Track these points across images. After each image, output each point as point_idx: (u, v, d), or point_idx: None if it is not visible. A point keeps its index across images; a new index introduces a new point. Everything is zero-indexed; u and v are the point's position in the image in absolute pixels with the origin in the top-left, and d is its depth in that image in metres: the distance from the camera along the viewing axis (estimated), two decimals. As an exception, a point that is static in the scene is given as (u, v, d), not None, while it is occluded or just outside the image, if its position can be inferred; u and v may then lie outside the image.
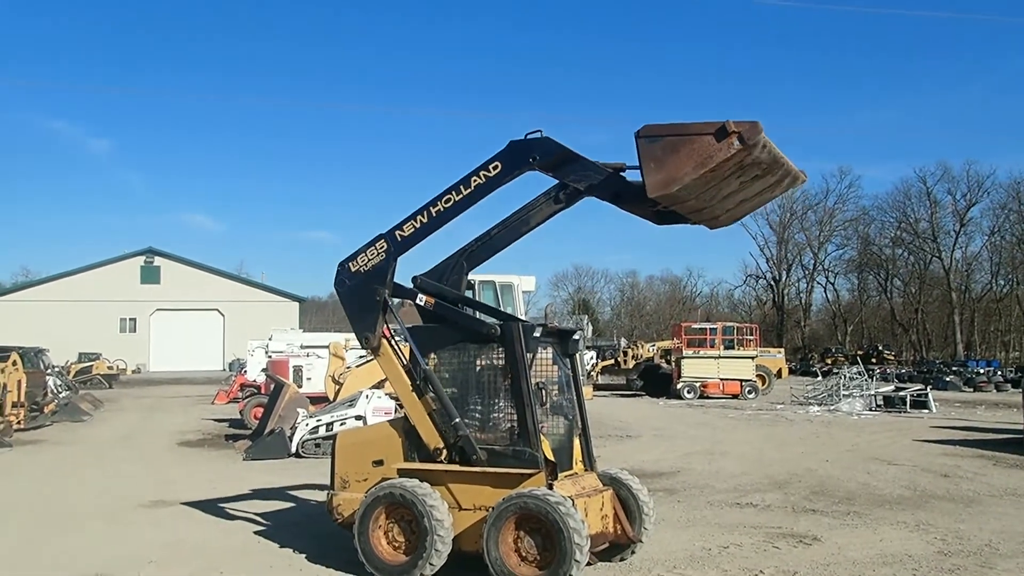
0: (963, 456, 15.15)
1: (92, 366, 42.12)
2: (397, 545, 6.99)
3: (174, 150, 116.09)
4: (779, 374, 40.65)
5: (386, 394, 14.88)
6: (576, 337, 7.86)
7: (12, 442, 16.81)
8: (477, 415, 7.24)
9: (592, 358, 40.55)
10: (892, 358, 58.14)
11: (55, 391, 24.43)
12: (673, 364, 33.71)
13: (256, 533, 8.89)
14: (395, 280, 7.49)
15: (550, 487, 6.64)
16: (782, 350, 51.16)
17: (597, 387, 36.30)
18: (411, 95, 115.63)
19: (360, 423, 14.04)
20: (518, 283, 20.87)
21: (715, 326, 34.99)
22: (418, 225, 7.26)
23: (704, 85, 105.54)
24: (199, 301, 61.98)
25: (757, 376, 32.74)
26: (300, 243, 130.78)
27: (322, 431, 14.66)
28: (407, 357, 7.45)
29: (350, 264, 7.55)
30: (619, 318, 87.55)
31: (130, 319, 61.74)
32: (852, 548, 8.17)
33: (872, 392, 26.92)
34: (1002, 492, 11.45)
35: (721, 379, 31.61)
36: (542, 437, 6.97)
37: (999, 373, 43.28)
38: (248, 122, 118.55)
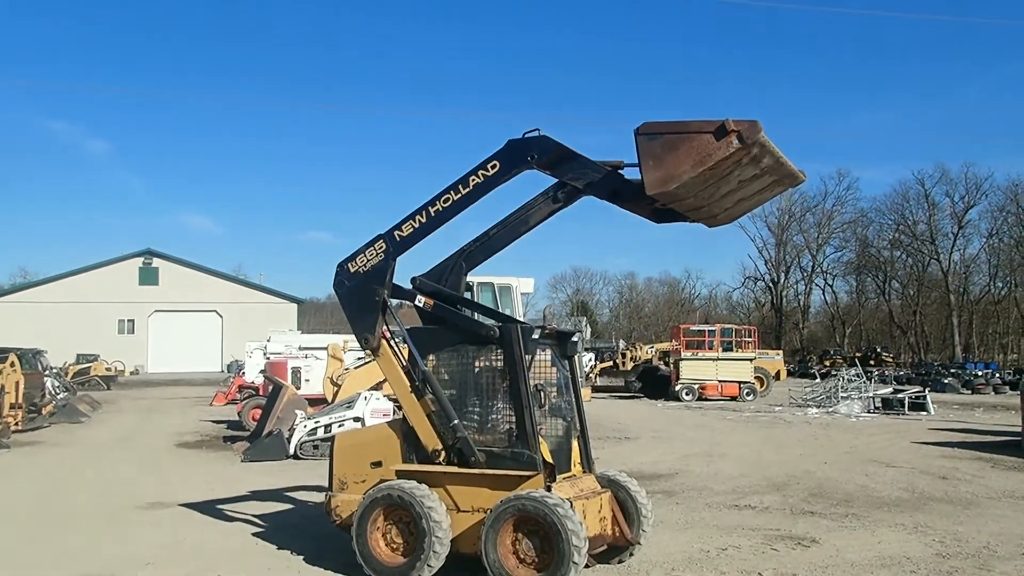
0: (961, 458, 15.15)
1: (90, 367, 42.06)
2: (395, 547, 6.98)
3: (173, 151, 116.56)
4: (777, 376, 40.69)
5: (384, 396, 14.87)
6: (575, 339, 7.85)
7: (10, 443, 16.80)
8: (476, 417, 7.23)
9: (590, 360, 40.63)
10: (890, 360, 58.13)
11: (53, 392, 24.41)
12: (671, 366, 33.70)
13: (254, 534, 8.88)
14: (394, 281, 7.48)
15: (548, 489, 6.63)
16: (780, 352, 51.19)
17: (595, 389, 36.33)
18: (411, 96, 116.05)
19: (358, 425, 14.03)
20: (516, 285, 20.89)
21: (713, 328, 34.98)
22: (417, 225, 7.25)
23: (703, 86, 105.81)
24: (197, 302, 61.97)
25: (755, 378, 32.70)
26: (299, 244, 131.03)
27: (320, 432, 14.65)
28: (406, 358, 7.45)
29: (349, 265, 7.54)
30: (617, 320, 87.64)
31: (128, 320, 61.70)
32: (850, 550, 8.17)
33: (870, 394, 26.92)
34: (1000, 494, 11.45)
35: (719, 381, 31.59)
36: (540, 439, 6.96)
37: (997, 375, 43.25)
38: (247, 123, 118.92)
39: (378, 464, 7.39)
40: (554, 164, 6.90)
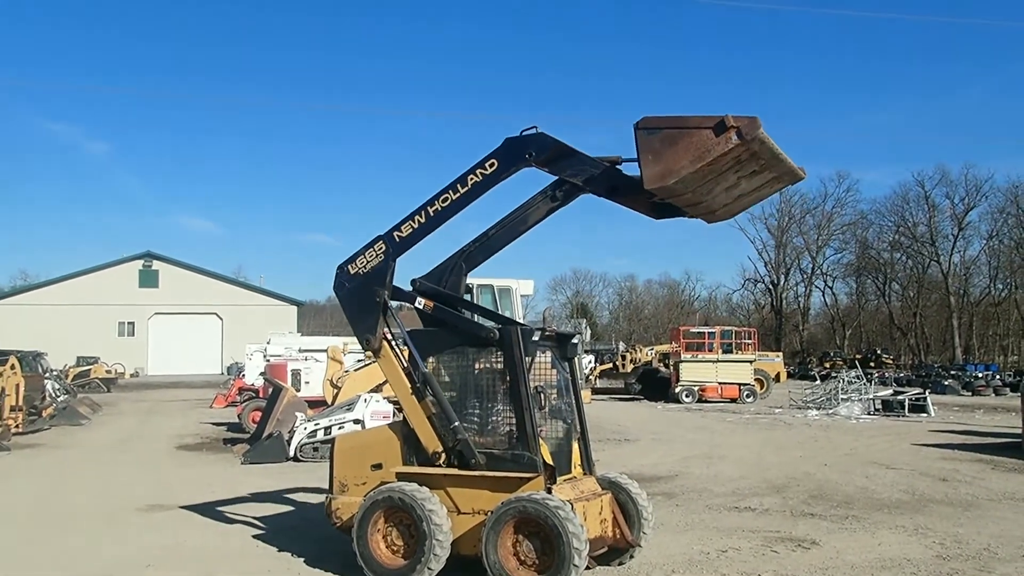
0: (961, 460, 15.15)
1: (90, 370, 42.09)
2: (396, 549, 6.98)
3: (173, 153, 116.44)
4: (777, 378, 40.64)
5: (384, 398, 14.87)
6: (575, 341, 7.84)
7: (10, 446, 16.78)
8: (476, 419, 7.23)
9: (590, 362, 40.64)
10: (890, 362, 58.15)
11: (53, 395, 24.40)
12: (671, 368, 33.68)
13: (254, 537, 8.88)
14: (394, 283, 7.48)
15: (549, 491, 6.62)
16: (780, 354, 51.12)
17: (595, 391, 36.33)
18: (410, 97, 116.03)
19: (358, 427, 14.03)
20: (516, 287, 20.92)
21: (713, 330, 34.98)
22: (416, 226, 7.25)
23: (702, 87, 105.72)
24: (197, 305, 62.00)
25: (755, 380, 32.69)
26: (298, 246, 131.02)
27: (320, 435, 14.64)
28: (406, 360, 7.45)
29: (349, 266, 7.55)
30: (617, 322, 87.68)
31: (128, 323, 61.73)
32: (850, 552, 8.17)
33: (870, 396, 26.89)
34: (1000, 496, 11.44)
35: (719, 383, 31.58)
36: (541, 441, 6.95)
37: (997, 377, 43.25)
38: (246, 125, 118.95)
39: (378, 466, 7.39)
40: (552, 161, 6.90)
